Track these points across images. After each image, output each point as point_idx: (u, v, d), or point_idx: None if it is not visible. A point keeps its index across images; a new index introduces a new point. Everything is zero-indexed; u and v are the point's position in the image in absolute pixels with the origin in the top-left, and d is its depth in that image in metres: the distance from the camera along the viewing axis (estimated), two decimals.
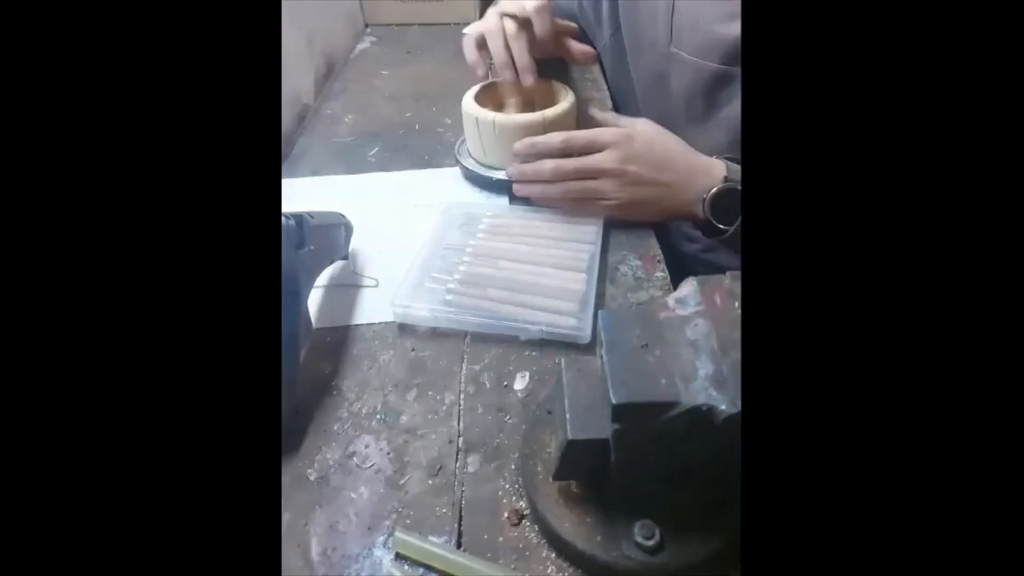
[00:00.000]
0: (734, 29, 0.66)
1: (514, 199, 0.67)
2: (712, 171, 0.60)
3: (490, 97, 0.74)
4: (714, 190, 0.59)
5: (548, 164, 0.62)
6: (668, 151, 0.62)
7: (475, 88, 0.73)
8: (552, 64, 0.86)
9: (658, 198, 0.61)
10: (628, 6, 0.79)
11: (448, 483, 0.42)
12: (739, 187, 0.58)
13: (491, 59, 0.73)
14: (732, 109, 0.70)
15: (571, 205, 0.63)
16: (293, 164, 0.77)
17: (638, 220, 0.63)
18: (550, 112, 0.66)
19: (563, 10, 0.90)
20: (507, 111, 0.73)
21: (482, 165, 0.71)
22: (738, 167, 0.60)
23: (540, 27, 0.69)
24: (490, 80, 0.74)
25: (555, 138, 0.62)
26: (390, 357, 0.51)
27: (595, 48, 0.87)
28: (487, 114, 0.67)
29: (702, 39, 0.69)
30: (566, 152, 0.62)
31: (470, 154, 0.73)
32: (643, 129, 0.62)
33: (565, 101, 0.69)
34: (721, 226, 0.59)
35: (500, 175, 0.69)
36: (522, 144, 0.63)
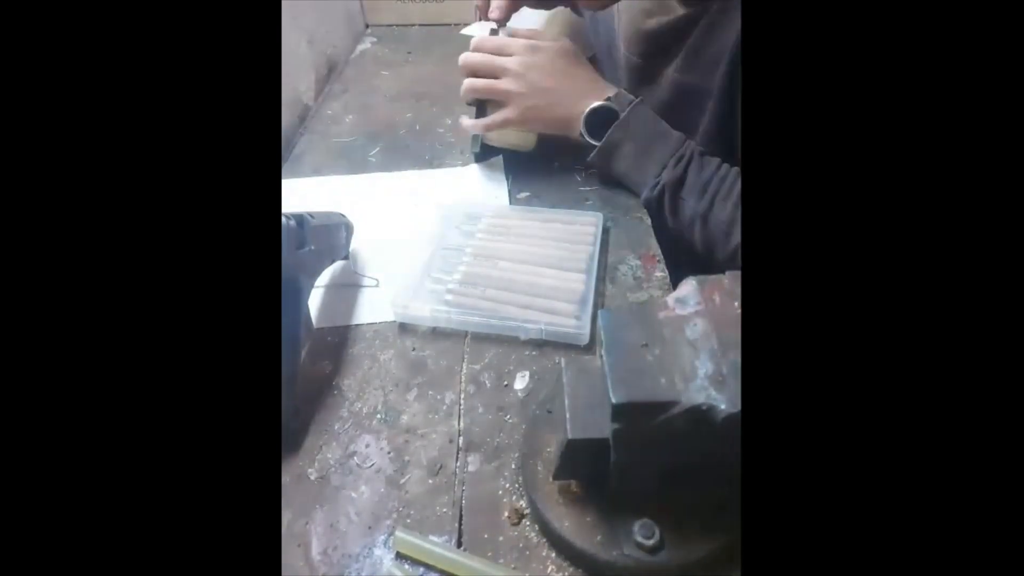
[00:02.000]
0: (649, 22, 0.72)
1: (513, 200, 0.67)
2: (601, 90, 0.66)
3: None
4: (591, 106, 0.64)
5: (462, 57, 0.68)
6: (568, 66, 0.68)
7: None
8: None
9: (550, 107, 0.66)
10: None
11: (448, 482, 0.42)
12: (616, 107, 0.64)
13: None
14: (654, 103, 0.74)
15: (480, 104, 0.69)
16: (294, 164, 0.77)
17: (538, 130, 0.69)
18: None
19: None
20: None
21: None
22: (630, 97, 0.65)
23: None
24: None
25: (478, 40, 0.69)
26: (390, 357, 0.51)
27: None
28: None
29: (633, 31, 0.75)
30: (478, 50, 0.68)
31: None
32: (549, 45, 0.68)
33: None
34: (592, 141, 0.65)
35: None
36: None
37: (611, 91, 0.66)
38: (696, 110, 0.68)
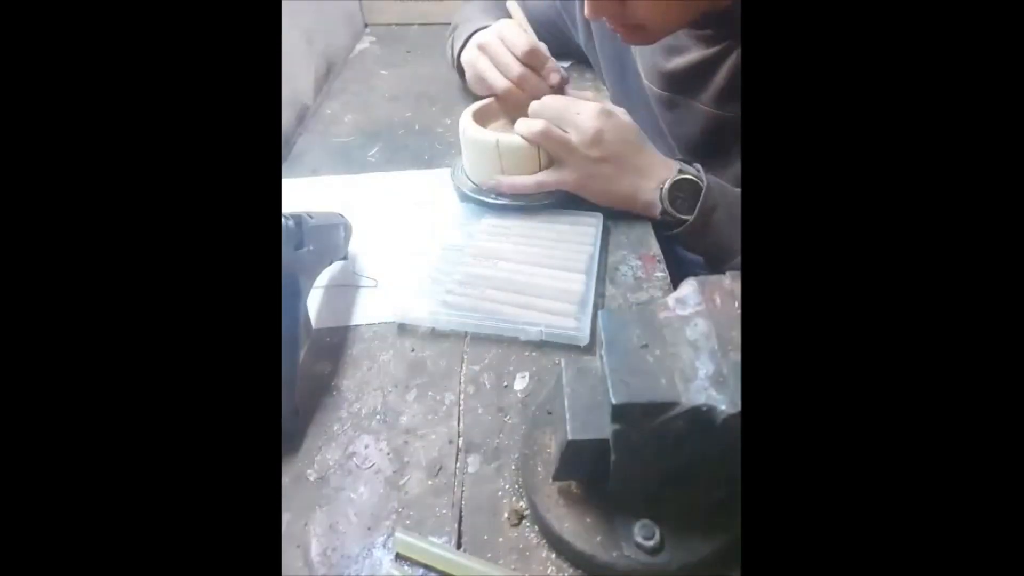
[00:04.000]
0: (670, 64, 0.71)
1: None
2: (668, 164, 0.62)
3: (489, 118, 0.70)
4: (673, 178, 0.60)
5: (532, 105, 0.63)
6: (638, 138, 0.63)
7: (472, 108, 0.68)
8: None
9: (617, 179, 0.61)
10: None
11: (448, 483, 0.42)
12: (696, 179, 0.60)
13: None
14: (677, 129, 0.74)
15: (539, 141, 0.62)
16: (293, 164, 0.77)
17: (593, 200, 0.63)
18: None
19: (541, 15, 0.89)
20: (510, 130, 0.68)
21: (478, 187, 0.66)
22: (698, 166, 0.61)
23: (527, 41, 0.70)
24: (487, 100, 0.71)
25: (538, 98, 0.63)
26: (390, 357, 0.51)
27: (577, 44, 0.90)
28: (489, 135, 0.63)
29: (651, 67, 0.74)
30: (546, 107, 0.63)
31: (469, 177, 0.67)
32: (622, 113, 0.63)
33: None
34: (680, 216, 0.60)
35: (503, 199, 0.65)
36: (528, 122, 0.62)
37: (675, 164, 0.62)
38: (735, 138, 0.67)
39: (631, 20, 0.62)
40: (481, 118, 0.68)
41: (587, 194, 0.63)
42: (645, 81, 0.76)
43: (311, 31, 0.98)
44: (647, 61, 0.75)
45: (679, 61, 0.70)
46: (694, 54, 0.69)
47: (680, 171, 0.60)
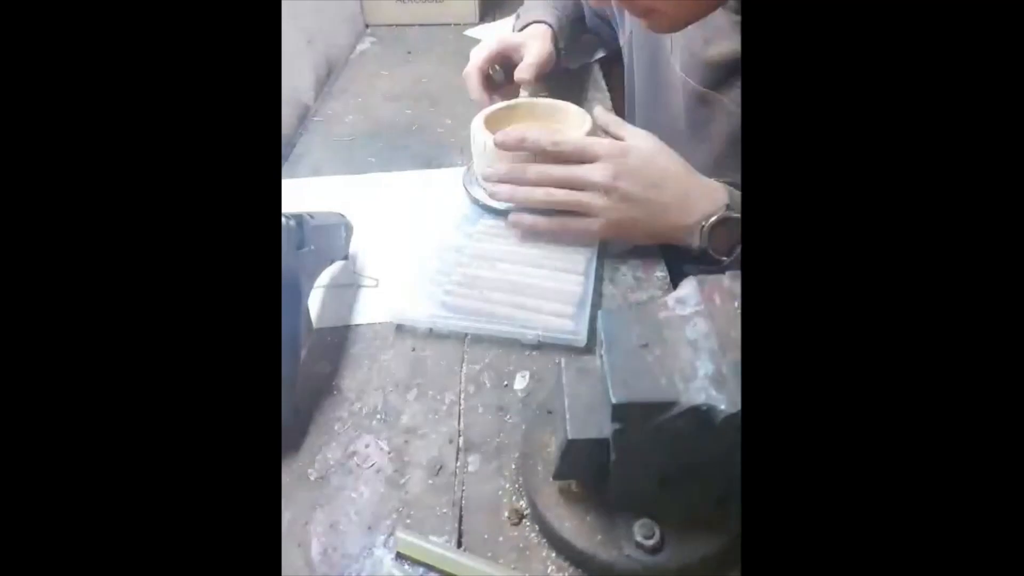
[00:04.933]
0: (710, 51, 0.64)
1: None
2: (713, 195, 0.55)
3: (500, 123, 0.67)
4: (713, 218, 0.53)
5: (533, 169, 0.57)
6: (666, 169, 0.56)
7: (485, 112, 0.68)
8: (566, 85, 0.87)
9: (649, 219, 0.55)
10: None
11: (448, 483, 0.42)
12: (738, 215, 0.53)
13: (495, 71, 0.74)
14: (713, 129, 0.68)
15: (552, 228, 0.57)
16: (293, 164, 0.77)
17: (628, 242, 0.59)
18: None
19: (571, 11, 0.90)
20: None
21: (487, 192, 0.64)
22: (739, 194, 0.55)
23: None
24: (501, 104, 0.70)
25: (545, 138, 0.57)
26: (390, 357, 0.51)
27: (617, 44, 0.88)
28: (487, 134, 0.61)
29: (689, 56, 0.67)
30: (555, 157, 0.56)
31: (479, 182, 0.65)
32: (640, 144, 0.57)
33: (583, 126, 0.64)
34: (719, 256, 0.54)
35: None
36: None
37: (719, 190, 0.55)
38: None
39: (640, 2, 0.55)
40: (494, 123, 0.66)
41: (625, 238, 0.59)
42: (680, 73, 0.69)
43: (311, 31, 0.98)
44: (684, 52, 0.68)
45: (721, 48, 0.63)
46: (733, 44, 0.62)
47: (728, 206, 0.54)
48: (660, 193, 0.55)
